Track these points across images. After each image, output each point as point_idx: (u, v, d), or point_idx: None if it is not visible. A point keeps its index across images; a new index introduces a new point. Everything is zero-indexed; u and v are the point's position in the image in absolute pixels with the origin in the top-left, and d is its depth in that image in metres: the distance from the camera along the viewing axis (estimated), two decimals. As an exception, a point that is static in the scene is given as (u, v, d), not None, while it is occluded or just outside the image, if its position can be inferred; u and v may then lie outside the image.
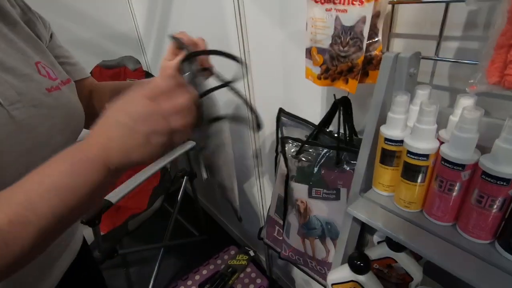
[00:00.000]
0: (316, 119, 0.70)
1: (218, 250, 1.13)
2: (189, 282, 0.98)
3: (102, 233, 1.05)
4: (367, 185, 0.48)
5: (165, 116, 0.31)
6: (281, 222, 0.82)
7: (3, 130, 0.36)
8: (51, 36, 0.52)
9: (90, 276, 0.65)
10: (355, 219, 0.49)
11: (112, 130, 0.31)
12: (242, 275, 1.00)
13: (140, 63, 1.30)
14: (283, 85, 0.81)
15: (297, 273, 1.17)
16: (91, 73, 1.34)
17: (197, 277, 1.00)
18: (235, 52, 0.89)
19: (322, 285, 0.79)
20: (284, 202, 0.73)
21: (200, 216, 1.65)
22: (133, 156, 0.31)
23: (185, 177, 1.40)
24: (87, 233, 0.97)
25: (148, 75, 1.28)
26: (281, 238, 0.83)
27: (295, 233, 0.72)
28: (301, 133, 0.72)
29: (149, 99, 0.31)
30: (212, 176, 0.55)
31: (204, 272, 1.02)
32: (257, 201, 1.18)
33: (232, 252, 1.09)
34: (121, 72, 1.31)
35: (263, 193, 1.14)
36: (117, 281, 1.42)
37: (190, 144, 1.37)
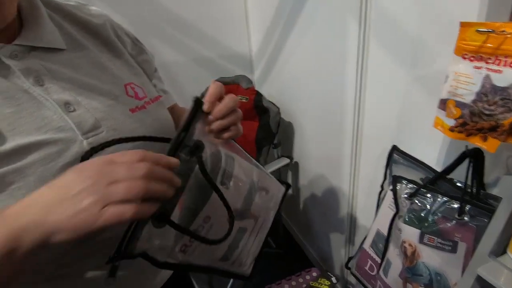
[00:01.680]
0: (431, 163, 0.69)
1: (293, 267, 1.17)
2: (270, 291, 1.05)
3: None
4: (499, 247, 0.46)
5: (110, 179, 0.29)
6: (377, 257, 0.81)
7: (74, 158, 0.38)
8: (155, 70, 0.59)
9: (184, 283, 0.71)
10: (479, 280, 0.47)
11: (41, 193, 0.30)
12: (322, 299, 1.02)
13: (252, 82, 1.46)
14: (396, 123, 0.82)
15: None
16: (208, 88, 1.56)
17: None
18: (351, 83, 0.93)
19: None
20: (386, 240, 0.73)
21: (280, 230, 1.71)
22: (52, 215, 0.28)
23: (274, 190, 1.49)
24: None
25: (258, 94, 1.42)
26: (373, 273, 0.82)
27: (395, 274, 0.71)
28: (414, 175, 0.72)
29: (106, 161, 0.31)
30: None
31: (286, 286, 1.08)
32: (345, 228, 1.18)
33: (314, 274, 1.12)
34: (234, 89, 1.48)
35: (353, 222, 1.14)
36: (198, 283, 1.57)
37: (285, 161, 1.46)
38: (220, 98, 0.42)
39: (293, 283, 1.09)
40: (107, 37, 0.49)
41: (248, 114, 1.48)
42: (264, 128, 1.45)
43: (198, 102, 0.40)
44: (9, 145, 0.35)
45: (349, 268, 0.94)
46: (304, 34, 1.16)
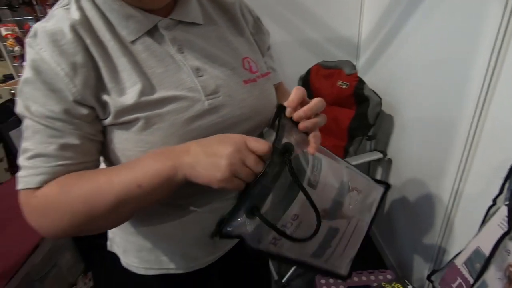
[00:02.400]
0: None
1: (366, 265, 1.13)
2: (339, 280, 1.04)
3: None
4: None
5: (240, 164, 0.38)
6: (469, 277, 0.72)
7: (196, 114, 0.46)
8: (268, 48, 0.63)
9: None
10: None
11: (197, 145, 0.41)
12: (393, 303, 0.96)
13: (355, 68, 1.39)
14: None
15: None
16: (310, 70, 1.57)
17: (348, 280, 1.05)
18: (478, 78, 0.81)
19: None
20: (487, 260, 0.64)
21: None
22: (199, 165, 0.39)
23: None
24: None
25: (360, 81, 1.35)
26: (462, 293, 0.73)
27: (491, 298, 0.62)
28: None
29: (240, 147, 0.39)
30: None
31: (356, 279, 1.05)
32: (435, 238, 1.06)
33: (389, 277, 1.06)
34: (335, 74, 1.45)
35: (447, 233, 1.01)
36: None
37: (377, 155, 1.38)
38: (303, 102, 0.44)
39: (364, 278, 1.06)
40: (234, 15, 0.56)
41: (346, 101, 1.44)
42: (360, 117, 1.38)
43: (280, 108, 0.43)
44: (156, 95, 0.44)
45: (431, 281, 0.86)
46: (425, 19, 1.04)
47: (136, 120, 0.43)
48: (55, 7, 0.45)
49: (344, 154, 1.47)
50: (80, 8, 0.44)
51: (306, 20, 1.57)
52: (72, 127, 0.42)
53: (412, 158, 1.22)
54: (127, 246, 0.61)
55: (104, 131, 0.46)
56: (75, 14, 0.43)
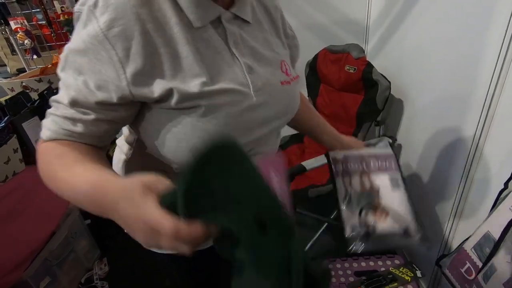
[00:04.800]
0: None
1: (378, 252, 1.13)
2: (347, 265, 1.05)
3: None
4: None
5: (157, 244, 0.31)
6: (478, 261, 0.71)
7: (248, 107, 0.48)
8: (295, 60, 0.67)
9: None
10: None
11: (123, 207, 0.33)
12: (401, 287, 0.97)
13: (364, 52, 1.36)
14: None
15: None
16: (317, 55, 1.54)
17: (355, 264, 1.05)
18: (491, 59, 0.77)
19: None
20: (497, 244, 0.63)
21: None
22: (124, 226, 0.35)
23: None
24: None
25: (369, 65, 1.32)
26: (471, 278, 0.73)
27: (499, 282, 0.61)
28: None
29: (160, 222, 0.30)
30: None
31: (363, 264, 1.05)
32: (445, 224, 1.05)
33: (397, 262, 1.05)
34: (343, 58, 1.42)
35: (456, 218, 1.00)
36: None
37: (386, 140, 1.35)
38: None
39: (371, 263, 1.06)
40: (275, 19, 0.58)
41: (354, 86, 1.41)
42: (369, 102, 1.36)
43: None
44: (217, 86, 0.45)
45: (440, 266, 0.86)
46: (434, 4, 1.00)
47: (198, 106, 0.44)
48: None
49: (353, 140, 1.45)
50: None
51: (312, 3, 1.53)
52: (98, 107, 0.42)
53: (422, 143, 1.20)
54: None
55: (145, 112, 0.46)
56: None
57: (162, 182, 0.33)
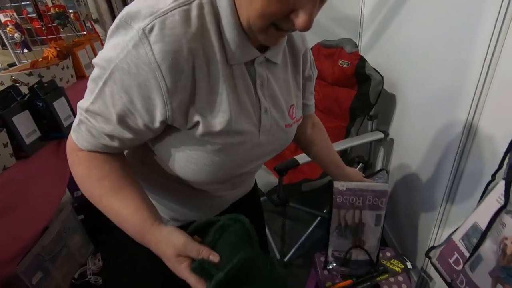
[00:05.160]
0: None
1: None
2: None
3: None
4: None
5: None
6: (466, 251, 0.73)
7: (253, 146, 0.52)
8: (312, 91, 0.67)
9: (252, 209, 0.84)
10: None
11: (163, 249, 0.45)
12: (392, 279, 0.98)
13: (357, 46, 1.36)
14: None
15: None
16: (311, 50, 1.54)
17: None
18: (475, 73, 0.78)
19: None
20: (483, 234, 0.65)
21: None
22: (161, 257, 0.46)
23: (360, 164, 1.43)
24: (269, 179, 1.20)
25: (362, 60, 1.33)
26: (459, 268, 0.74)
27: (485, 271, 0.63)
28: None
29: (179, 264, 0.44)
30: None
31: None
32: (435, 216, 1.07)
33: (388, 254, 1.07)
34: (336, 53, 1.42)
35: (446, 211, 1.02)
36: (274, 224, 1.70)
37: (378, 135, 1.37)
38: None
39: (363, 255, 1.08)
40: (299, 63, 0.57)
41: (347, 80, 1.42)
42: (362, 97, 1.36)
43: None
44: (236, 127, 0.47)
45: (429, 257, 0.87)
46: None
47: (215, 143, 0.47)
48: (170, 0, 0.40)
49: (346, 134, 1.46)
50: (201, 16, 0.40)
51: None
52: (140, 129, 0.45)
53: (414, 138, 1.22)
54: None
55: (169, 129, 0.48)
56: (195, 23, 0.39)
57: (191, 249, 0.43)
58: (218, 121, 0.45)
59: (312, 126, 0.77)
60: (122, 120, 0.43)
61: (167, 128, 0.47)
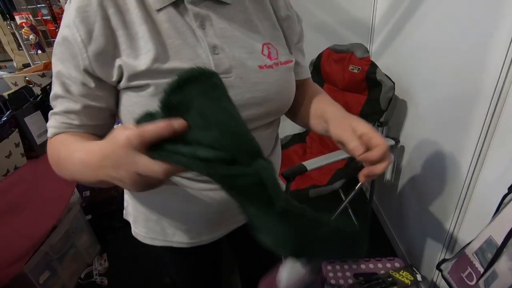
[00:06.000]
0: None
1: (374, 252, 1.11)
2: (346, 267, 1.04)
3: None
4: None
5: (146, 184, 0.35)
6: (480, 266, 0.70)
7: None
8: (299, 40, 0.61)
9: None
10: None
11: (105, 160, 0.36)
12: (401, 291, 0.96)
13: (368, 52, 1.34)
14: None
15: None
16: (321, 54, 1.52)
17: (354, 266, 1.04)
18: (492, 77, 0.76)
19: None
20: (499, 250, 0.62)
21: (369, 214, 1.63)
22: (112, 177, 0.36)
23: (370, 171, 1.40)
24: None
25: (373, 65, 1.31)
26: (471, 283, 0.71)
27: (501, 288, 0.60)
28: None
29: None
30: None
31: (363, 266, 1.04)
32: (447, 228, 1.04)
33: (397, 265, 1.04)
34: (347, 58, 1.40)
35: (459, 222, 0.99)
36: None
37: (389, 142, 1.34)
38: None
39: (371, 265, 1.05)
40: (263, 2, 0.54)
41: (357, 86, 1.40)
42: (372, 103, 1.34)
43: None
44: (168, 65, 0.45)
45: (440, 270, 0.84)
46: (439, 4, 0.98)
47: (146, 85, 0.45)
48: None
49: (355, 141, 1.44)
50: None
51: (317, 3, 1.52)
52: (81, 92, 0.46)
53: (426, 145, 1.19)
54: (137, 215, 0.64)
55: (118, 96, 0.49)
56: None
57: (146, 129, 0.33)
58: (143, 62, 0.44)
59: (304, 90, 0.63)
60: (66, 89, 0.47)
61: (117, 95, 0.49)
